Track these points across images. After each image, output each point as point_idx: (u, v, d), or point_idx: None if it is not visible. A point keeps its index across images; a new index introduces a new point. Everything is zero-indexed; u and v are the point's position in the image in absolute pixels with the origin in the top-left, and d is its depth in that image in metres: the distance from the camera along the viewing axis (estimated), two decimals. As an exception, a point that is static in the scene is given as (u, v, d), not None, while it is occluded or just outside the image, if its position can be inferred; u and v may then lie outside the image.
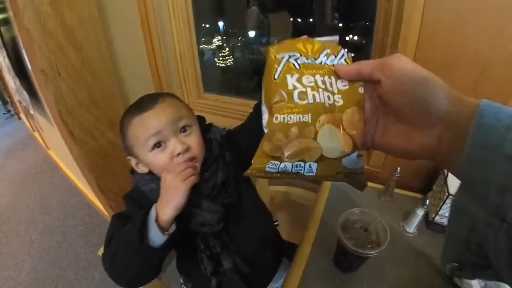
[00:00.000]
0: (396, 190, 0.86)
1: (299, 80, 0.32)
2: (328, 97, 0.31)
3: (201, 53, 2.14)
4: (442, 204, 0.72)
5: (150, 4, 1.11)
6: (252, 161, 0.31)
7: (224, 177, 0.61)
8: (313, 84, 0.31)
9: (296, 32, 1.44)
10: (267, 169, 0.30)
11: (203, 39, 2.07)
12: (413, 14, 0.69)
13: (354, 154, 0.31)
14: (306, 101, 0.31)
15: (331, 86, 0.32)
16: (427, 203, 0.71)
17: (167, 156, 0.56)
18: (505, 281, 0.24)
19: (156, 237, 0.50)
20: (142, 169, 0.60)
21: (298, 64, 0.33)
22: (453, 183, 0.72)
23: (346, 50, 0.34)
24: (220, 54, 2.15)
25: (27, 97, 1.73)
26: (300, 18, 1.52)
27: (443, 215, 0.73)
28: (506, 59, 0.64)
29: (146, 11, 1.12)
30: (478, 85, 0.68)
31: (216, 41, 2.14)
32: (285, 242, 0.92)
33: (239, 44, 2.15)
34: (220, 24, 1.98)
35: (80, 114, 0.99)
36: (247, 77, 2.01)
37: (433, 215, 0.75)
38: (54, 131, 1.15)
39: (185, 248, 0.66)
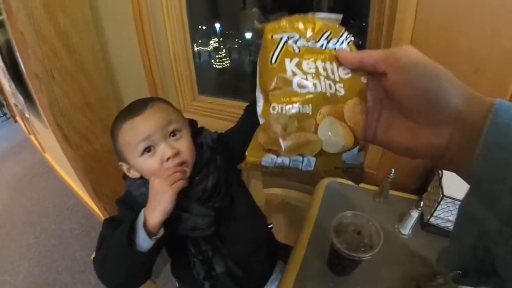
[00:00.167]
0: (391, 192, 0.86)
1: (298, 65, 0.29)
2: (330, 86, 0.29)
3: (198, 55, 2.14)
4: (437, 206, 0.72)
5: (144, 5, 1.11)
6: (246, 154, 0.29)
7: (215, 181, 0.61)
8: (314, 70, 0.29)
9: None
10: (263, 163, 0.28)
11: (199, 41, 2.07)
12: (406, 14, 0.69)
13: (355, 149, 0.29)
14: (306, 90, 0.28)
15: (332, 73, 0.29)
16: (422, 204, 0.71)
17: (157, 160, 0.56)
18: None
19: (144, 242, 0.51)
20: (134, 174, 0.61)
21: (298, 47, 0.30)
22: (448, 185, 0.72)
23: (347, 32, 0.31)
24: (217, 56, 2.15)
25: (22, 100, 1.72)
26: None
27: (438, 216, 0.73)
28: (502, 57, 0.64)
29: (140, 12, 1.11)
30: (473, 84, 0.68)
31: (213, 42, 2.14)
32: (280, 245, 0.92)
33: (236, 46, 2.15)
34: (217, 25, 1.98)
35: (75, 117, 0.98)
36: (244, 79, 2.01)
37: (428, 217, 0.75)
38: (49, 134, 1.14)
39: (177, 252, 0.66)
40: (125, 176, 0.63)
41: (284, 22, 0.31)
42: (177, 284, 0.82)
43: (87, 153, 1.05)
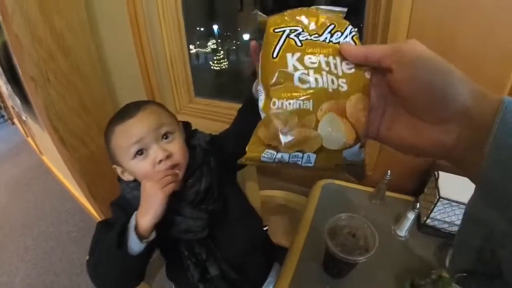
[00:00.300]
0: (388, 193, 0.85)
1: (300, 60, 0.28)
2: (332, 81, 0.28)
3: (196, 56, 2.15)
4: (433, 207, 0.72)
5: (139, 6, 1.11)
6: (247, 149, 0.28)
7: (208, 184, 0.61)
8: (316, 65, 0.28)
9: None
10: (262, 158, 0.28)
11: (197, 42, 2.07)
12: (401, 14, 0.69)
13: (356, 146, 0.28)
14: (307, 85, 0.28)
15: (335, 68, 0.29)
16: (418, 206, 0.70)
17: (149, 163, 0.56)
18: None
19: (135, 245, 0.51)
20: (127, 177, 0.61)
21: (300, 41, 0.29)
22: (444, 186, 0.72)
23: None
24: (215, 58, 2.15)
25: (19, 103, 1.71)
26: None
27: (435, 218, 0.73)
28: (498, 57, 0.64)
29: (136, 14, 1.11)
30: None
31: (211, 44, 2.14)
32: (277, 247, 0.91)
33: (234, 47, 2.16)
34: (215, 27, 1.99)
35: (71, 120, 0.98)
36: (242, 80, 2.01)
37: (425, 218, 0.74)
38: (46, 136, 1.14)
39: (172, 255, 0.66)
40: (119, 179, 0.63)
41: (286, 16, 0.30)
42: (173, 287, 0.81)
43: (83, 155, 1.04)
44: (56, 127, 0.95)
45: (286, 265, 0.68)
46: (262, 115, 0.29)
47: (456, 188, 0.70)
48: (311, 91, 0.27)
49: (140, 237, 0.51)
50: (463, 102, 0.23)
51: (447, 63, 0.24)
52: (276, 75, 0.28)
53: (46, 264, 1.71)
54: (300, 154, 0.28)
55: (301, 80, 0.28)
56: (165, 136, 0.59)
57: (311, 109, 0.27)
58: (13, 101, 1.91)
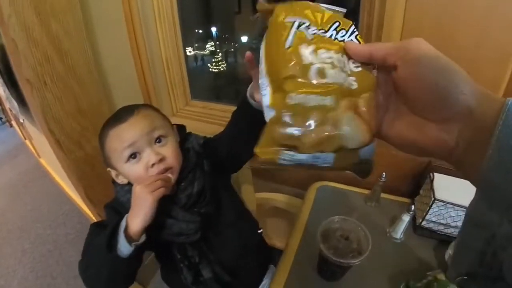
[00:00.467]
0: (383, 195, 0.86)
1: (315, 53, 0.27)
2: (344, 78, 0.27)
3: (195, 59, 2.15)
4: (429, 209, 0.72)
5: (135, 9, 1.11)
6: (257, 150, 0.26)
7: (200, 187, 0.61)
8: (331, 60, 0.27)
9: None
10: (280, 161, 0.26)
11: (196, 45, 2.07)
12: (394, 15, 0.70)
13: (372, 144, 0.28)
14: (325, 80, 0.26)
15: (344, 66, 0.28)
16: (412, 208, 0.70)
17: (142, 167, 0.56)
18: None
19: (124, 248, 0.51)
20: (122, 180, 0.61)
21: (311, 34, 0.28)
22: (439, 188, 0.72)
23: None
24: (213, 60, 2.16)
25: (16, 106, 1.71)
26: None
27: (430, 220, 0.73)
28: (492, 57, 0.64)
29: (131, 15, 1.11)
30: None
31: (209, 46, 2.15)
32: (273, 249, 0.91)
33: (232, 50, 2.16)
34: (213, 29, 1.99)
35: (67, 123, 0.98)
36: (241, 82, 2.01)
37: (420, 220, 0.75)
38: (43, 139, 1.14)
39: (165, 258, 0.66)
40: (114, 182, 0.64)
41: (295, 6, 0.29)
42: (168, 290, 0.81)
43: (80, 158, 1.04)
44: (53, 129, 0.95)
45: (280, 268, 0.68)
46: (270, 112, 0.27)
47: (451, 189, 0.70)
48: (330, 87, 0.26)
49: (130, 240, 0.51)
50: (465, 102, 0.23)
51: (452, 62, 0.24)
52: (292, 66, 0.26)
53: (43, 267, 1.70)
54: (320, 154, 0.26)
55: (319, 74, 0.26)
56: (158, 139, 0.59)
57: (330, 105, 0.26)
58: (10, 104, 1.92)
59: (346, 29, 0.29)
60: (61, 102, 0.95)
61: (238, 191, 0.88)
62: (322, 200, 0.89)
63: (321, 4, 0.30)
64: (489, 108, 0.22)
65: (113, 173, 0.61)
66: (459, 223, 0.69)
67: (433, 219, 0.72)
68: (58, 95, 0.94)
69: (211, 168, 0.65)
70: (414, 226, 0.77)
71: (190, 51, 1.89)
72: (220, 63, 2.18)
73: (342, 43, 0.29)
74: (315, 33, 0.28)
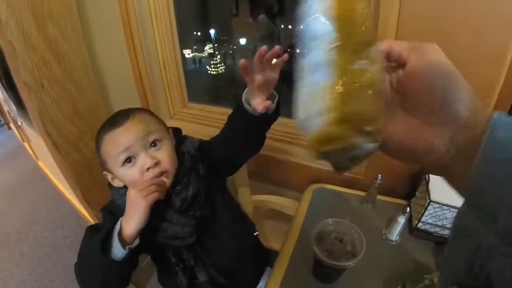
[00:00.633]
0: (379, 197, 0.86)
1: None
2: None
3: (193, 61, 2.15)
4: (424, 211, 0.72)
5: (132, 10, 1.11)
6: (317, 135, 0.24)
7: (195, 190, 0.62)
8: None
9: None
10: (357, 151, 0.24)
11: (194, 47, 2.08)
12: (389, 16, 0.70)
13: (374, 144, 0.27)
14: (376, 67, 0.24)
15: None
16: (408, 210, 0.71)
17: (137, 171, 0.57)
18: None
19: (118, 251, 0.51)
20: (118, 183, 0.61)
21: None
22: (435, 190, 0.73)
23: None
24: (212, 62, 2.16)
25: (14, 108, 1.71)
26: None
27: (426, 221, 0.73)
28: (487, 59, 0.65)
29: (129, 18, 1.12)
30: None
31: (208, 49, 2.16)
32: (269, 251, 0.91)
33: (231, 52, 2.17)
34: (212, 32, 2.00)
35: (64, 126, 0.98)
36: (240, 84, 2.02)
37: (416, 222, 0.75)
38: (41, 142, 1.14)
39: (161, 261, 0.66)
40: (110, 185, 0.64)
41: None
42: (166, 292, 0.81)
43: (77, 161, 1.04)
44: (50, 132, 0.95)
45: (275, 270, 0.68)
46: (336, 77, 0.23)
47: (447, 191, 0.69)
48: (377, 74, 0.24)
49: (124, 243, 0.51)
50: (460, 109, 0.24)
51: (457, 71, 0.25)
52: (367, 32, 0.24)
53: (41, 270, 1.70)
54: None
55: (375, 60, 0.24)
56: (153, 143, 0.59)
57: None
58: (8, 106, 1.91)
59: None
60: (59, 105, 0.95)
61: (234, 193, 0.88)
62: (318, 202, 0.89)
63: None
64: (479, 121, 0.23)
65: (109, 177, 0.62)
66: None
67: (429, 220, 0.73)
68: (56, 98, 0.94)
69: (206, 171, 0.65)
70: (410, 228, 0.77)
71: (188, 53, 1.90)
72: (218, 65, 2.19)
73: None
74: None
